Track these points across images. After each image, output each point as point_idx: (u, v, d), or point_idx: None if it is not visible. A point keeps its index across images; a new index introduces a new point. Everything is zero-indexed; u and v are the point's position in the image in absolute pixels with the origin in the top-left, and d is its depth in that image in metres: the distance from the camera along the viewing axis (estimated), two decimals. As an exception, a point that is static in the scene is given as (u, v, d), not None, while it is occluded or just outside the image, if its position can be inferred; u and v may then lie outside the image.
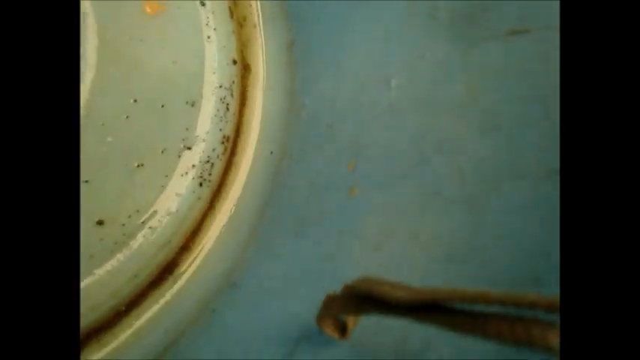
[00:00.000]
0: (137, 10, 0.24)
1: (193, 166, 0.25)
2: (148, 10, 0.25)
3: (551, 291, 0.13)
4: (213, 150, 0.26)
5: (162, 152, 0.24)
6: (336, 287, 0.22)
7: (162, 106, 0.24)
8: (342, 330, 0.20)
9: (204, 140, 0.26)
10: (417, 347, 0.18)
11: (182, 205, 0.25)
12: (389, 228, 0.21)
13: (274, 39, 0.28)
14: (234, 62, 0.27)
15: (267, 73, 0.28)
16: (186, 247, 0.25)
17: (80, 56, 0.22)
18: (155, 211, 0.24)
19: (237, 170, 0.27)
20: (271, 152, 0.27)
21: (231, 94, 0.27)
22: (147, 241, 0.24)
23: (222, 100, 0.26)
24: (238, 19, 0.27)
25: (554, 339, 0.12)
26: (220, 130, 0.26)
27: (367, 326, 0.19)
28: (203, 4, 0.26)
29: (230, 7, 0.27)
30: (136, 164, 0.24)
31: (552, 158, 0.19)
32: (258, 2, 0.28)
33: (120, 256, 0.23)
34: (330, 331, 0.20)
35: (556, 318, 0.12)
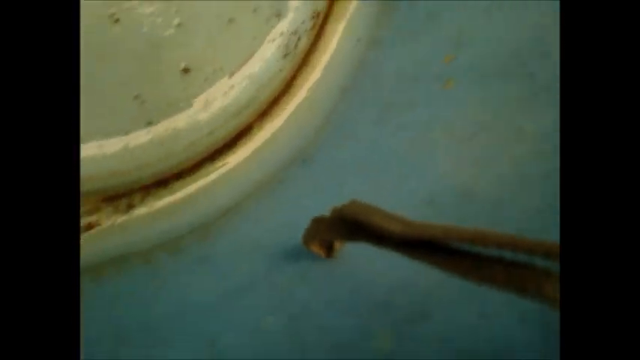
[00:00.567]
0: None
1: (281, 34, 0.24)
2: None
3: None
4: (303, 22, 0.25)
5: (253, 11, 0.23)
6: (416, 175, 0.22)
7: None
8: (329, 249, 0.19)
9: (295, 9, 0.24)
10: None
11: (264, 72, 0.24)
12: (483, 122, 0.21)
13: None
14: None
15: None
16: (262, 115, 0.24)
17: None
18: (238, 72, 0.23)
19: (322, 49, 0.25)
20: (358, 40, 0.26)
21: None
22: (226, 100, 0.23)
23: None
24: None
25: (550, 288, 0.11)
26: (312, 3, 0.25)
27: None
28: None
29: None
30: (228, 18, 0.23)
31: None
32: None
33: (198, 109, 0.23)
34: (316, 249, 0.19)
35: (554, 266, 0.11)
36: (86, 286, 0.20)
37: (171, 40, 0.21)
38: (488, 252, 0.12)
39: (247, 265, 0.20)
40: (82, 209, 0.21)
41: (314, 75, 0.25)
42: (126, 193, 0.22)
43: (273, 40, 0.24)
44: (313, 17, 0.25)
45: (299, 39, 0.25)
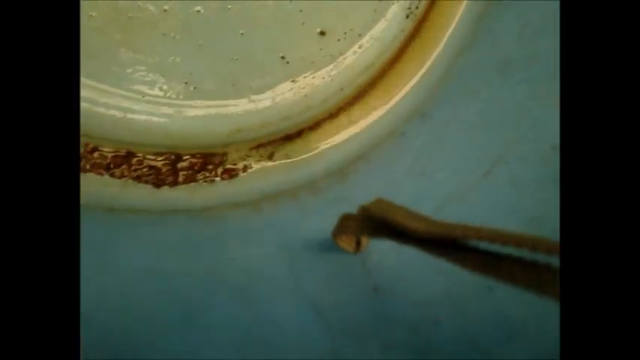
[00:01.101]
0: None
1: (404, -5, 0.26)
2: None
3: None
4: (424, -17, 0.26)
5: (381, -26, 0.25)
6: (535, 131, 0.23)
7: None
8: (357, 244, 0.20)
9: (418, -29, 0.26)
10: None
11: (388, 32, 0.26)
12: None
13: None
14: None
15: None
16: (384, 72, 0.27)
17: None
18: (365, 33, 0.26)
19: (441, 8, 0.27)
20: (477, -4, 0.27)
21: None
22: (355, 59, 0.26)
23: None
24: None
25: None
26: (434, -36, 0.26)
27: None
28: None
29: None
30: (359, -17, 0.25)
31: None
32: None
33: (331, 68, 0.25)
34: (344, 245, 0.20)
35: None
36: (245, 216, 0.24)
37: (310, 7, 0.24)
38: (506, 250, 0.12)
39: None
40: (236, 155, 0.25)
41: (433, 33, 0.27)
42: (271, 142, 0.26)
43: (397, 1, 0.26)
44: (434, -22, 0.26)
45: (420, 0, 0.26)
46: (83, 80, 0.21)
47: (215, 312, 0.19)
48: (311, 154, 0.25)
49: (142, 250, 0.22)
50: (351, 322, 0.16)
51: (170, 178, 0.23)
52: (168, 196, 0.23)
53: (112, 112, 0.22)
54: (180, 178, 0.24)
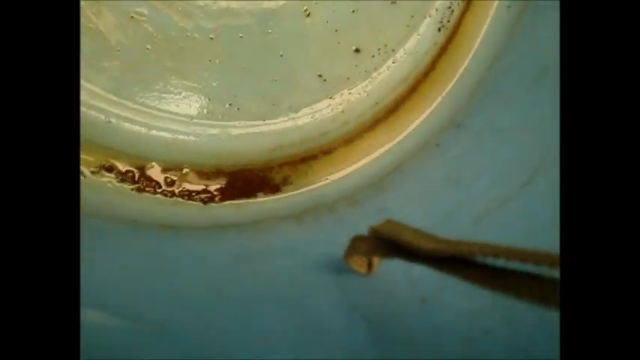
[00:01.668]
0: None
1: (436, 9, 0.27)
2: None
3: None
4: (456, -4, 0.27)
5: (413, -9, 0.26)
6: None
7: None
8: (369, 265, 0.20)
9: (449, -15, 0.26)
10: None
11: (421, 46, 0.27)
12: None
13: None
14: None
15: None
16: (418, 85, 0.27)
17: None
18: (399, 48, 0.26)
19: (473, 19, 0.27)
20: (509, 6, 0.27)
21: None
22: (389, 74, 0.27)
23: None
24: None
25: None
26: (465, -23, 0.27)
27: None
28: None
29: None
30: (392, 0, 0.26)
31: None
32: None
33: (366, 84, 0.26)
34: (356, 266, 0.20)
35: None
36: (289, 229, 0.25)
37: (345, 26, 0.25)
38: (512, 266, 0.13)
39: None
40: (278, 170, 0.26)
41: (466, 44, 0.27)
42: (310, 156, 0.27)
43: (429, 15, 0.27)
44: (465, -10, 0.27)
45: (452, 13, 0.27)
46: (138, 107, 0.23)
47: (264, 323, 0.20)
48: (348, 167, 0.26)
49: (192, 264, 0.23)
50: (401, 333, 0.17)
51: (217, 196, 0.25)
52: (216, 212, 0.25)
53: (163, 134, 0.24)
54: (227, 195, 0.25)
